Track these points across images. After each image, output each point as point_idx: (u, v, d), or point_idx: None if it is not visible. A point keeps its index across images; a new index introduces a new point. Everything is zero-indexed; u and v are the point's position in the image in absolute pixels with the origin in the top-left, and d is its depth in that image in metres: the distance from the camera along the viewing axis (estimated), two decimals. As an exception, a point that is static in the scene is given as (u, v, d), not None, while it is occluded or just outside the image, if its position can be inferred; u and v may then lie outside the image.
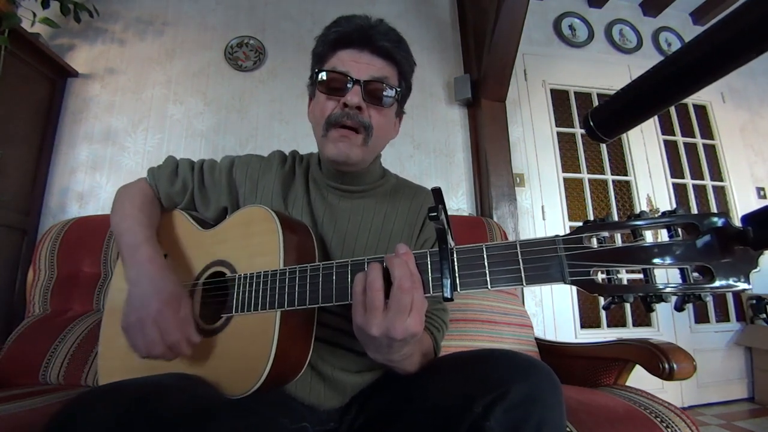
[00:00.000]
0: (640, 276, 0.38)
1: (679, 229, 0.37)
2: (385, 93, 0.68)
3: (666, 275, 0.38)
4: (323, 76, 0.68)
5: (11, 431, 0.69)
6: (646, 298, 0.37)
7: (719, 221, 0.35)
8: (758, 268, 0.33)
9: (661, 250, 0.37)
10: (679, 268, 0.36)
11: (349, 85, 0.66)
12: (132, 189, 0.79)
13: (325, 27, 0.72)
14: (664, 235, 0.38)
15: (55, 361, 1.06)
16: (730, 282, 0.34)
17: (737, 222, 0.33)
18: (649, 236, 0.39)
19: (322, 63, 0.71)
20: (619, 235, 0.41)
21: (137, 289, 0.62)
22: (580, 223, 0.42)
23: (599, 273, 0.40)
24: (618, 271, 0.39)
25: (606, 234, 0.40)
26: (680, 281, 0.36)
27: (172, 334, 0.57)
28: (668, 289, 0.36)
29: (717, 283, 0.34)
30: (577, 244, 0.41)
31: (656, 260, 0.37)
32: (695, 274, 0.36)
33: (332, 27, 0.70)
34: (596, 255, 0.39)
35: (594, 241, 0.41)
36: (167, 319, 0.58)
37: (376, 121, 0.69)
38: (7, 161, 1.48)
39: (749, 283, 0.33)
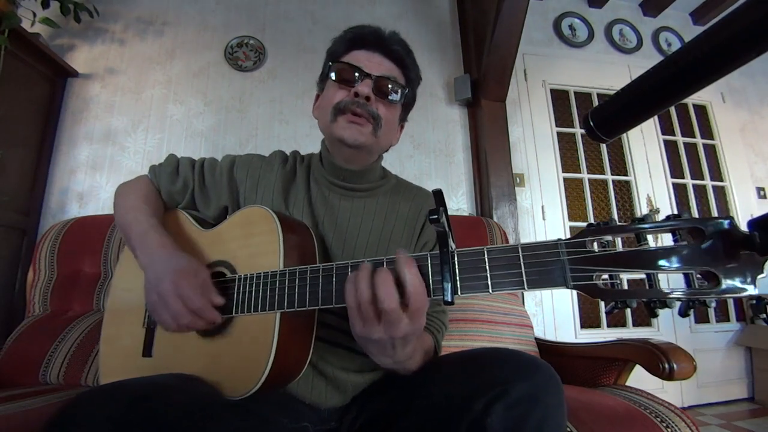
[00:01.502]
0: (644, 280, 0.38)
1: (684, 234, 0.36)
2: (393, 89, 0.72)
3: (670, 280, 0.38)
4: (337, 66, 0.72)
5: (11, 431, 0.69)
6: (650, 304, 0.37)
7: (725, 225, 0.34)
8: (764, 274, 0.33)
9: (665, 254, 0.36)
10: (683, 273, 0.36)
11: (360, 77, 0.69)
12: (134, 183, 0.80)
13: (342, 30, 0.77)
14: (667, 239, 0.37)
15: (55, 361, 1.05)
16: (737, 287, 0.33)
17: (742, 226, 0.32)
18: (652, 240, 0.38)
19: (336, 60, 0.74)
20: (619, 239, 0.41)
21: (152, 270, 0.62)
22: (580, 223, 0.42)
23: (602, 277, 0.39)
24: (621, 276, 0.39)
25: (609, 238, 0.39)
26: (685, 286, 0.35)
27: (195, 300, 0.57)
28: (672, 295, 0.35)
29: (722, 289, 0.33)
30: (580, 248, 0.40)
31: (660, 265, 0.36)
32: (700, 279, 0.35)
33: (348, 30, 0.75)
34: (599, 259, 0.39)
35: (596, 245, 0.40)
36: (187, 288, 0.57)
37: (384, 114, 0.72)
38: (7, 161, 1.47)
39: (756, 289, 0.33)
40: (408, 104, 0.80)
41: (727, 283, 0.33)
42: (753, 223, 0.31)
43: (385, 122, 0.72)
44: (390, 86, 0.71)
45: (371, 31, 0.73)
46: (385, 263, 0.49)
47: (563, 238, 0.42)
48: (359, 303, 0.47)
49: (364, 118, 0.70)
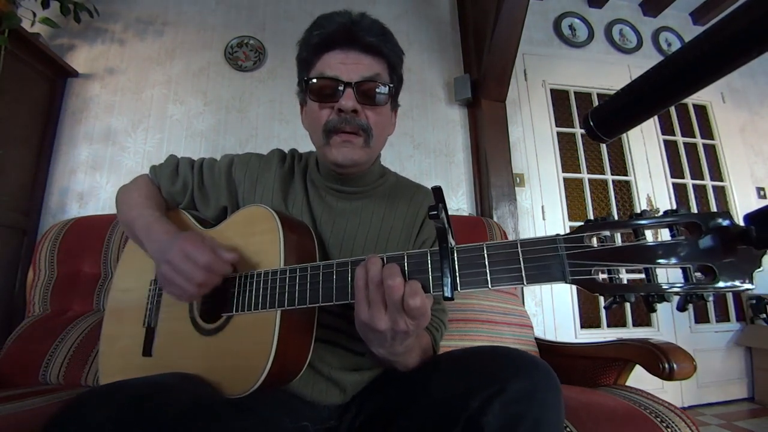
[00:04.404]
0: (642, 275, 0.38)
1: (682, 229, 0.36)
2: (378, 91, 0.67)
3: (668, 275, 0.38)
4: (313, 83, 0.66)
5: (11, 431, 0.69)
6: (648, 298, 0.37)
7: (722, 221, 0.34)
8: (761, 268, 0.33)
9: (663, 249, 0.36)
10: (681, 268, 0.36)
11: (340, 90, 0.65)
12: (135, 184, 0.80)
13: (305, 30, 0.70)
14: (665, 235, 0.37)
15: (55, 361, 1.05)
16: (734, 282, 0.33)
17: (739, 221, 0.32)
18: (650, 235, 0.39)
19: (309, 69, 0.69)
20: (619, 235, 0.41)
21: (159, 250, 0.63)
22: (581, 223, 0.41)
23: (600, 272, 0.39)
24: (619, 271, 0.39)
25: (607, 233, 0.40)
26: (682, 281, 0.36)
27: (203, 255, 0.57)
28: (670, 289, 0.36)
29: (720, 283, 0.34)
30: (578, 244, 0.40)
31: (658, 260, 0.36)
32: (698, 274, 0.35)
33: (313, 29, 0.67)
34: (597, 254, 0.39)
35: (595, 240, 0.40)
36: (193, 247, 0.58)
37: (373, 121, 0.68)
38: (7, 161, 1.48)
39: (752, 283, 0.33)
40: (396, 90, 0.74)
41: (723, 277, 0.34)
42: (749, 218, 0.31)
43: (376, 128, 0.69)
44: (374, 88, 0.66)
45: (338, 27, 0.65)
46: (385, 261, 0.49)
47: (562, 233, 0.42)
48: (367, 283, 0.48)
49: (354, 133, 0.67)
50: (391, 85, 0.69)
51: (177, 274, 0.58)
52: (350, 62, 0.65)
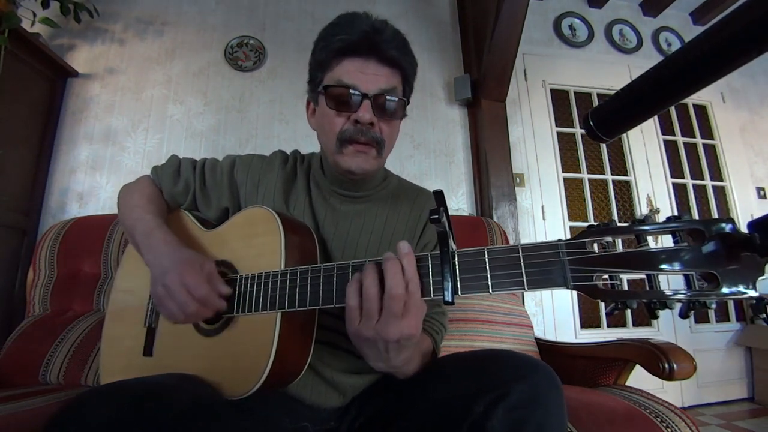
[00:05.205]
0: (644, 281, 0.37)
1: (685, 235, 0.36)
2: (394, 104, 0.66)
3: (670, 281, 0.38)
4: (330, 90, 0.66)
5: (11, 431, 0.69)
6: (650, 305, 0.36)
7: (726, 227, 0.34)
8: (765, 276, 0.32)
9: (666, 255, 0.36)
10: (684, 275, 0.35)
11: (357, 100, 0.64)
12: (137, 185, 0.80)
13: (324, 29, 0.69)
14: (667, 240, 0.37)
15: (55, 361, 1.06)
16: (737, 289, 0.33)
17: (743, 227, 0.32)
18: (652, 241, 0.38)
19: (325, 71, 0.68)
20: (620, 240, 0.41)
21: (158, 265, 0.62)
22: (581, 223, 0.42)
23: (602, 278, 0.39)
24: (621, 277, 0.38)
25: (609, 239, 0.39)
26: (685, 288, 0.35)
27: (200, 288, 0.57)
28: (673, 296, 0.35)
29: (723, 290, 0.33)
30: (580, 249, 0.40)
31: (661, 266, 0.36)
32: (700, 281, 0.35)
33: (336, 33, 0.66)
34: (599, 260, 0.39)
35: (596, 246, 0.40)
36: (192, 277, 0.58)
37: (386, 133, 0.68)
38: (7, 161, 1.47)
39: (756, 291, 0.32)
40: (408, 101, 0.73)
41: (727, 285, 0.33)
42: (753, 225, 0.31)
43: (389, 139, 0.69)
44: (390, 102, 0.65)
45: (361, 36, 0.64)
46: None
47: (563, 238, 0.42)
48: (366, 298, 0.47)
49: (369, 145, 0.66)
50: (405, 98, 0.70)
51: (171, 300, 0.58)
52: (370, 72, 0.65)
